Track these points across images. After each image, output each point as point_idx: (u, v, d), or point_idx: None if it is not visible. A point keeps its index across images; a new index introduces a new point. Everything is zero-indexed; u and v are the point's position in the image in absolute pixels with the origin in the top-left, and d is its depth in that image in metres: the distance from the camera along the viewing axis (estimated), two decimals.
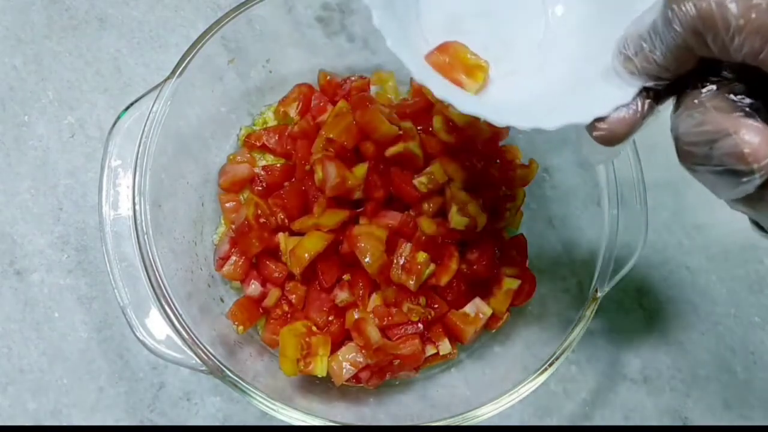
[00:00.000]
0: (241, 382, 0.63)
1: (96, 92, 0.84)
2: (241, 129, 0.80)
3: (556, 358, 0.64)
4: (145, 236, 0.65)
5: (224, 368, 0.63)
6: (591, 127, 0.44)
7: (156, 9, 0.86)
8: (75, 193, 0.81)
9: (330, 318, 0.71)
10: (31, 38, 0.85)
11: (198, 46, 0.68)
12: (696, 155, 0.39)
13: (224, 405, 0.76)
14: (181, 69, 0.68)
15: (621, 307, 0.82)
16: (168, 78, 0.67)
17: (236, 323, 0.71)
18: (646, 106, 0.43)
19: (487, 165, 0.74)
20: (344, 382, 0.69)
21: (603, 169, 0.71)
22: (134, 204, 0.65)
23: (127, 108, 0.67)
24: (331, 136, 0.70)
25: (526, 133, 0.79)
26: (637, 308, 0.82)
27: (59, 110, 0.83)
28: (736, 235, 0.85)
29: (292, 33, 0.81)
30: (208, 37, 0.69)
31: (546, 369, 0.64)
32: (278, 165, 0.76)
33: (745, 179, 0.38)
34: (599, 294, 0.67)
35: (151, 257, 0.64)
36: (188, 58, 0.68)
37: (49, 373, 0.76)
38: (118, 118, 0.66)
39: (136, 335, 0.62)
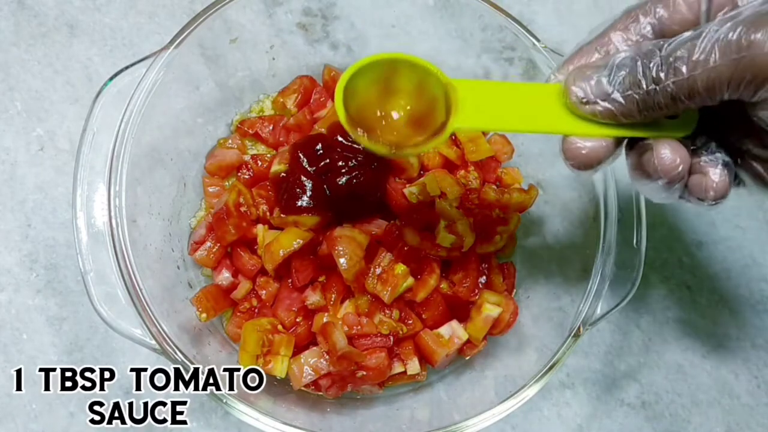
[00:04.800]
0: (191, 366, 0.63)
1: (66, 103, 0.83)
2: (236, 114, 0.80)
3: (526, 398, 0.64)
4: (117, 199, 0.64)
5: (176, 349, 0.63)
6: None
7: (129, 15, 0.85)
8: (44, 208, 0.80)
9: (298, 319, 0.71)
10: None
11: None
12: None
13: (200, 428, 0.75)
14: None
15: (618, 328, 0.81)
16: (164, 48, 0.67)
17: (200, 310, 0.72)
18: None
19: (484, 185, 0.75)
20: (303, 388, 0.70)
21: (601, 183, 0.71)
22: (111, 161, 0.64)
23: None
24: (324, 131, 0.70)
25: (520, 146, 0.78)
26: (635, 329, 0.82)
27: (27, 122, 0.82)
28: (739, 252, 0.84)
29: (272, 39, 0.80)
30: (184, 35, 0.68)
31: (514, 405, 0.64)
32: (268, 156, 0.76)
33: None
34: (582, 331, 0.66)
35: (118, 222, 0.64)
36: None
37: (17, 397, 0.75)
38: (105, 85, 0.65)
39: (93, 305, 0.62)
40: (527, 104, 0.50)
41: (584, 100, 0.47)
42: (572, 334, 0.65)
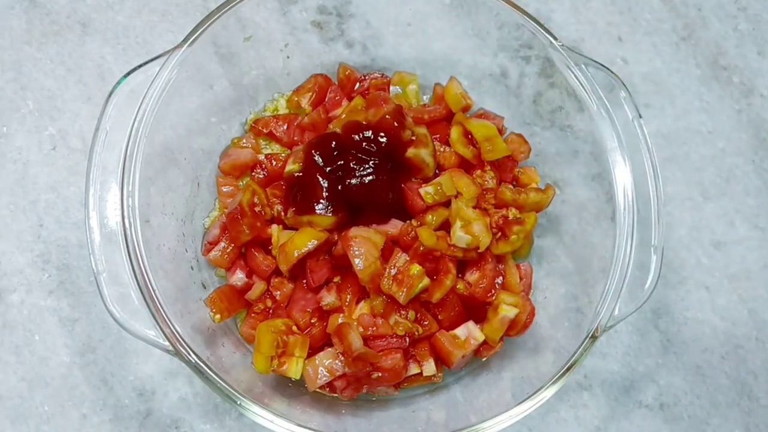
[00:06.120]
0: (206, 368, 0.63)
1: (79, 101, 0.83)
2: (250, 113, 0.81)
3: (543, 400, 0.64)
4: (130, 199, 0.64)
5: (190, 351, 0.63)
6: None
7: (142, 13, 0.85)
8: (56, 208, 0.80)
9: (313, 320, 0.71)
10: (10, 44, 0.84)
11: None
12: None
13: (213, 430, 0.75)
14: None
15: (636, 330, 0.81)
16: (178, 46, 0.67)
17: (214, 311, 0.72)
18: None
19: (500, 185, 0.74)
20: (318, 389, 0.69)
21: (618, 183, 0.70)
22: (124, 160, 0.65)
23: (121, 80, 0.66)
24: (338, 130, 0.70)
25: (537, 145, 0.78)
26: (653, 330, 0.81)
27: (40, 120, 0.82)
28: (758, 252, 0.84)
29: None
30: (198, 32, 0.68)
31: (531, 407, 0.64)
32: (282, 155, 0.76)
33: None
34: (600, 332, 0.66)
35: (131, 222, 0.64)
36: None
37: (29, 399, 0.75)
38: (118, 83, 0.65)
39: (106, 306, 0.62)
40: None
41: None
42: (590, 336, 0.65)
